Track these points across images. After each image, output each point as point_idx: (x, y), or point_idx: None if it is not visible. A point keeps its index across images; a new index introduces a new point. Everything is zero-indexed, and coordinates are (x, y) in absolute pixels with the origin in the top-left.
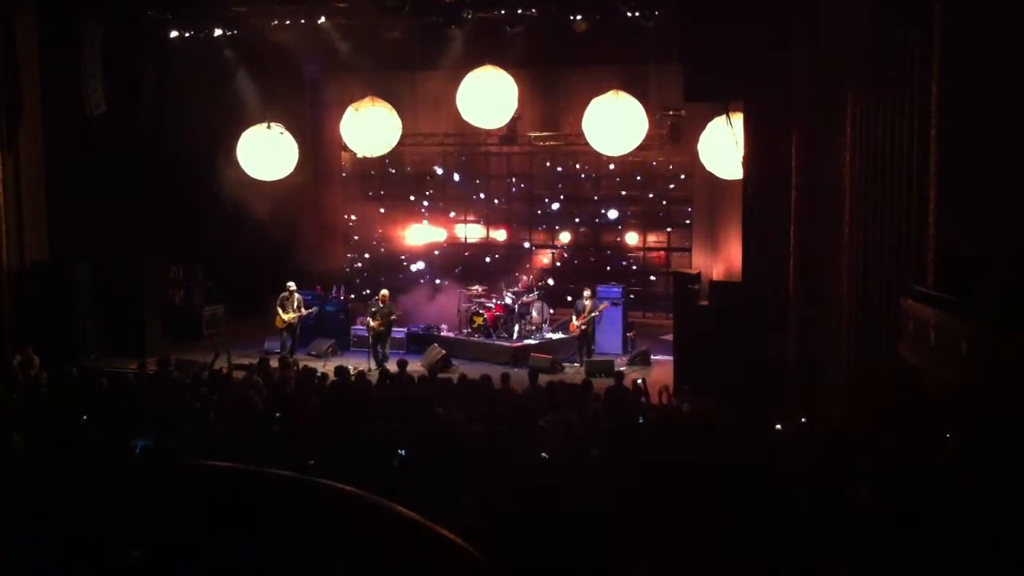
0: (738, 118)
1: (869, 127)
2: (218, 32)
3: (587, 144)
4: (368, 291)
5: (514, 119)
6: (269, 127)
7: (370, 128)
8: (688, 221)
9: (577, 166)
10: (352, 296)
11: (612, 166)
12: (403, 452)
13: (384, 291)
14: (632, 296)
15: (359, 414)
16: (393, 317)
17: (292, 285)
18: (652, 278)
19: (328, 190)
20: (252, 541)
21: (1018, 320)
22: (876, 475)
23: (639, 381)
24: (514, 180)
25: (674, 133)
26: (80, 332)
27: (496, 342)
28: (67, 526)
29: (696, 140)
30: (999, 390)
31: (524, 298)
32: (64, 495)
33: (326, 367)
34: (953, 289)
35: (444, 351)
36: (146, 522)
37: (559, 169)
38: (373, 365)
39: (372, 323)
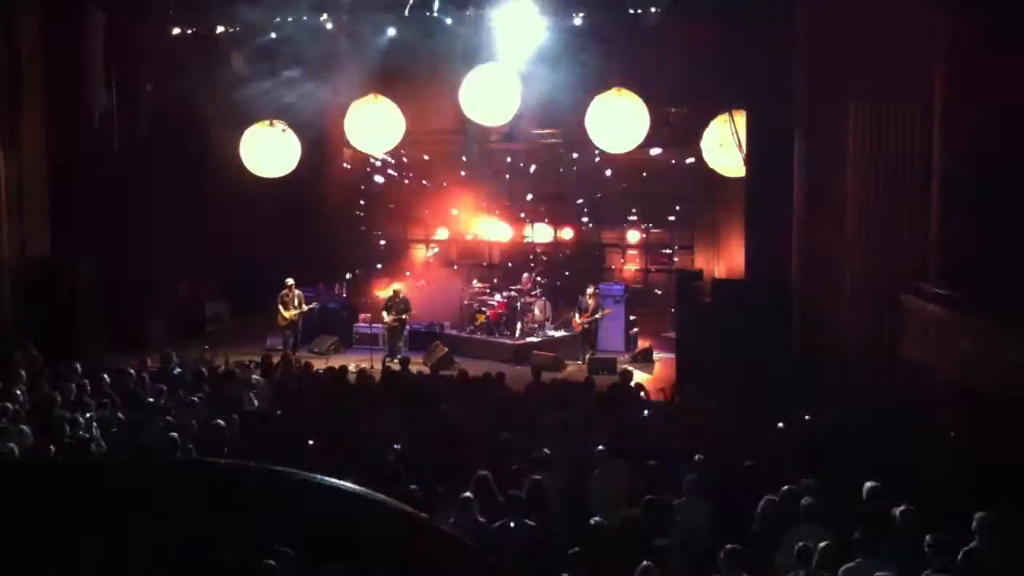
0: (741, 116)
1: (872, 124)
2: (220, 29)
3: (589, 141)
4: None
5: (516, 116)
6: (272, 124)
7: (373, 125)
8: (690, 219)
9: (579, 163)
10: (345, 286)
11: (613, 164)
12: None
13: (396, 286)
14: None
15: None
16: (404, 316)
17: (290, 281)
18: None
19: (331, 187)
20: (252, 540)
21: (1019, 317)
22: (879, 473)
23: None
24: (516, 177)
25: (676, 131)
26: (82, 328)
27: (498, 340)
28: (71, 524)
29: (699, 138)
30: (1000, 386)
31: (526, 296)
32: (68, 492)
33: (328, 364)
34: (955, 286)
35: (446, 349)
36: (149, 520)
37: (560, 168)
38: (388, 360)
39: (387, 318)
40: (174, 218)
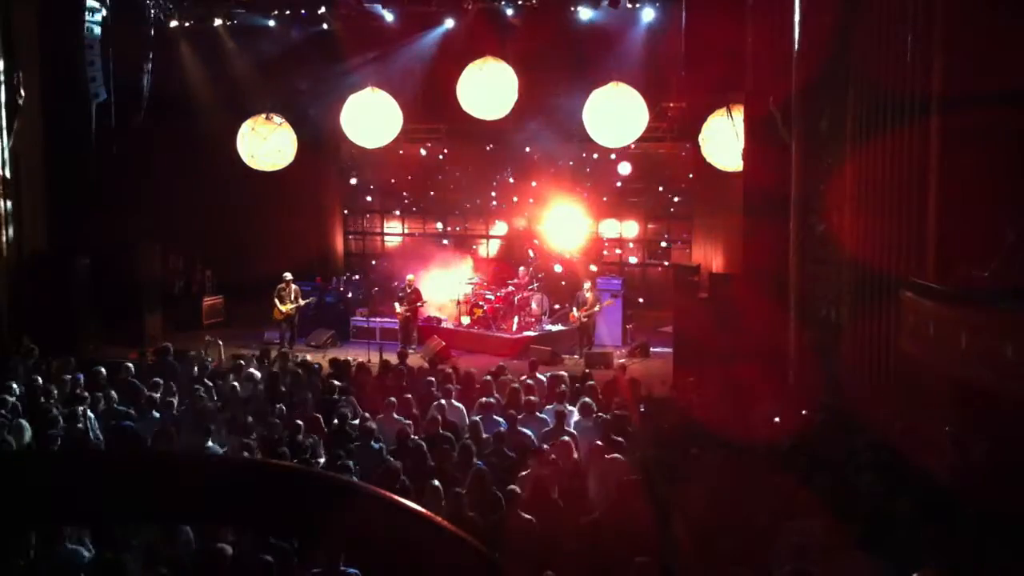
0: (738, 111)
1: (870, 119)
2: (218, 22)
3: (587, 135)
4: (359, 277)
5: (514, 110)
6: (268, 117)
7: (370, 119)
8: (688, 213)
9: (578, 158)
10: (347, 281)
11: (613, 156)
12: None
13: (410, 275)
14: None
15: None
16: (416, 305)
17: (288, 276)
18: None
19: (327, 181)
20: (249, 533)
21: (1017, 312)
22: (875, 468)
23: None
24: (513, 172)
25: (675, 125)
26: (79, 322)
27: (496, 334)
28: (68, 516)
29: (697, 132)
30: (999, 382)
31: (524, 290)
32: (65, 484)
33: (325, 358)
34: (952, 282)
35: (443, 342)
36: (146, 512)
37: (559, 161)
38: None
39: (399, 309)
40: (171, 213)
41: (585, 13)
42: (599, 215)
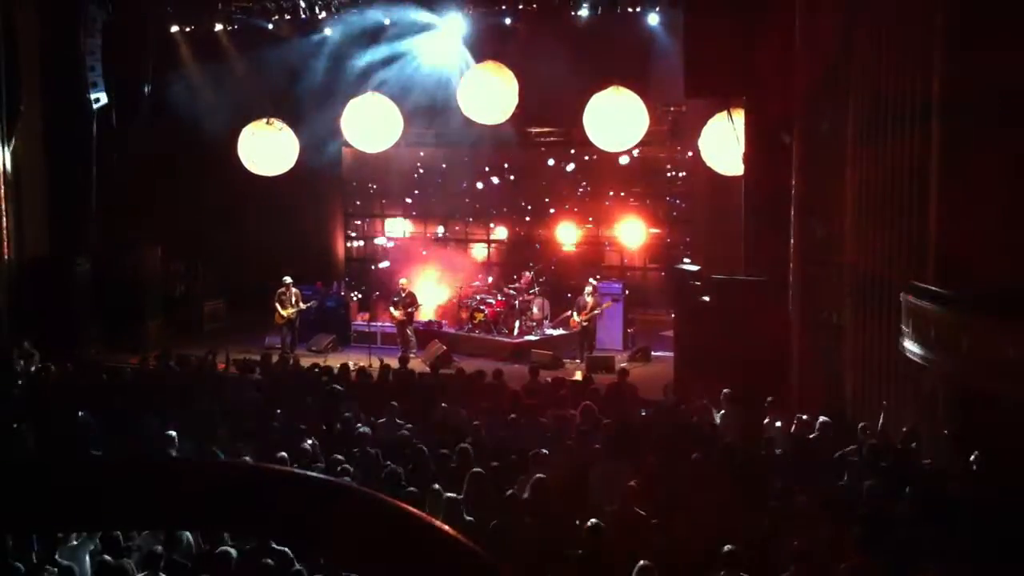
0: (739, 114)
1: (871, 123)
2: (219, 27)
3: (588, 140)
4: (364, 287)
5: (515, 114)
6: (269, 122)
7: (371, 123)
8: (689, 217)
9: (579, 162)
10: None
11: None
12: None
13: (404, 280)
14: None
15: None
16: (411, 310)
17: (288, 279)
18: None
19: (328, 185)
20: (247, 537)
21: (1018, 315)
22: (876, 471)
23: None
24: (514, 176)
25: (675, 129)
26: (80, 326)
27: (497, 338)
28: (68, 522)
29: (697, 136)
30: (1000, 385)
31: (525, 294)
32: (65, 489)
33: (326, 362)
34: (954, 285)
35: (445, 347)
36: (143, 517)
37: (560, 165)
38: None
39: (396, 314)
40: (172, 217)
41: (585, 13)
42: (599, 219)
